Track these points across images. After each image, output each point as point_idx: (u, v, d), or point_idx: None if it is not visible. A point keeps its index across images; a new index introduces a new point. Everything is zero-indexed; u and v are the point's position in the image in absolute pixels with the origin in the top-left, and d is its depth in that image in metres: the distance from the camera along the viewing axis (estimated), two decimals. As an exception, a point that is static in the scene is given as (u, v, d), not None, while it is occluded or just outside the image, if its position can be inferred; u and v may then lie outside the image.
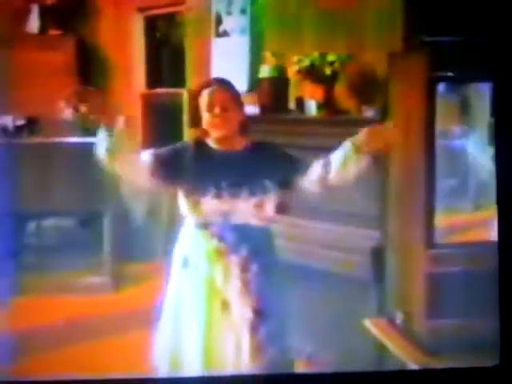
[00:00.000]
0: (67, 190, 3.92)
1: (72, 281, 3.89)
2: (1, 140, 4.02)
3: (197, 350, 2.25)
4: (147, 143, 4.32)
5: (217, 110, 2.17)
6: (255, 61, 3.81)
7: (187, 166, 2.21)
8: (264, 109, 3.61)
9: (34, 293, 3.76)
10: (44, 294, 3.77)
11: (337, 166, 2.17)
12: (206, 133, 2.23)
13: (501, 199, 2.71)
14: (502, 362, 2.78)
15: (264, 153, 2.25)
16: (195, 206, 2.21)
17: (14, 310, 3.69)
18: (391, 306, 2.97)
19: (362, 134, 2.11)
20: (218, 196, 2.18)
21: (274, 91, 3.60)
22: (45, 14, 4.61)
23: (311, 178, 2.21)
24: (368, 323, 2.97)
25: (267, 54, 3.63)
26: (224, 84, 2.25)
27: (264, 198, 2.21)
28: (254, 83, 3.79)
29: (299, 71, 3.45)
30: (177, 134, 4.02)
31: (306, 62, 3.40)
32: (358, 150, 2.11)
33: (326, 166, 2.18)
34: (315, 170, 2.20)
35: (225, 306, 2.24)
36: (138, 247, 4.03)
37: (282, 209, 2.34)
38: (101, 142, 2.25)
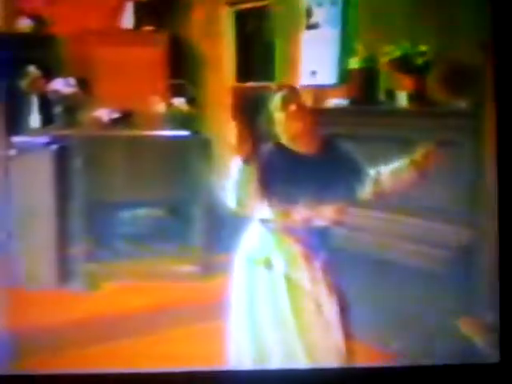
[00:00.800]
0: (159, 180, 4.06)
1: (163, 268, 4.03)
2: (97, 132, 4.19)
3: (292, 349, 2.33)
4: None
5: (292, 108, 2.29)
6: (345, 52, 3.79)
7: (275, 175, 2.27)
8: (354, 100, 3.61)
9: (126, 279, 3.94)
10: (136, 280, 3.94)
11: (389, 178, 2.34)
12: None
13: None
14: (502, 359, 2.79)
15: (336, 157, 2.35)
16: (282, 211, 2.29)
17: (108, 295, 3.87)
18: (481, 304, 2.91)
19: (422, 153, 2.29)
20: (304, 202, 2.26)
21: (364, 82, 3.58)
22: (139, 10, 4.76)
23: (366, 186, 2.35)
24: (457, 320, 2.92)
25: (358, 45, 3.61)
26: (294, 88, 2.41)
27: (342, 203, 2.33)
28: (344, 75, 3.79)
29: (390, 62, 3.41)
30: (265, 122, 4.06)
31: (398, 53, 3.36)
32: (415, 167, 2.29)
33: (379, 176, 2.35)
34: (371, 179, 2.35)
35: (317, 306, 2.33)
36: (228, 237, 4.10)
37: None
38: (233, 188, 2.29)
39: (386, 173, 2.34)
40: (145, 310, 3.66)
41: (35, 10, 4.41)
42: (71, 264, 3.95)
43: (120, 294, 3.84)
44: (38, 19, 4.42)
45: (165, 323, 3.50)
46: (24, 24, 4.40)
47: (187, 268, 4.02)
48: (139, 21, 4.78)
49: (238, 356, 2.46)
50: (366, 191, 2.36)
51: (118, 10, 4.74)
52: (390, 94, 3.49)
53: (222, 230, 4.01)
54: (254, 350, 2.40)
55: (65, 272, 3.92)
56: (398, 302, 3.08)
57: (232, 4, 4.71)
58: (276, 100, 2.31)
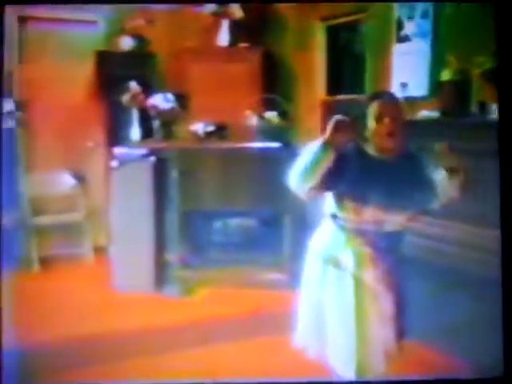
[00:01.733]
0: (251, 191, 4.16)
1: (253, 277, 4.12)
2: (192, 145, 4.34)
3: (350, 343, 2.36)
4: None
5: (386, 121, 2.27)
6: (437, 64, 3.78)
7: (350, 173, 2.29)
8: (445, 112, 3.58)
9: (218, 286, 4.04)
10: (227, 287, 4.04)
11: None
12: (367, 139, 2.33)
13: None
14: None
15: (416, 165, 2.34)
16: (354, 212, 2.33)
17: (200, 301, 3.99)
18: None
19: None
20: (376, 205, 2.28)
21: (456, 94, 3.54)
22: (234, 28, 4.92)
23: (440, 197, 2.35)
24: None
25: (449, 57, 3.59)
26: (393, 97, 2.39)
27: (414, 210, 2.35)
28: (435, 88, 3.77)
29: (482, 73, 3.38)
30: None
31: (490, 64, 3.32)
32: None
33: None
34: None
35: (376, 304, 2.37)
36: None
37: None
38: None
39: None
40: (235, 317, 3.75)
41: (137, 30, 4.64)
42: (167, 270, 4.11)
43: (211, 301, 3.95)
44: (139, 38, 4.65)
45: (253, 330, 3.58)
46: (126, 43, 4.64)
47: (277, 277, 4.08)
48: (234, 38, 4.93)
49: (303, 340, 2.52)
50: (438, 202, 2.35)
51: (213, 29, 4.91)
52: (483, 107, 3.44)
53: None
54: (317, 341, 2.46)
55: (160, 277, 4.08)
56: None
57: (324, 19, 4.78)
58: (373, 108, 2.30)
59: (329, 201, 2.40)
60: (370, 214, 2.31)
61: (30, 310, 3.57)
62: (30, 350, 3.37)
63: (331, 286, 2.41)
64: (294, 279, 4.06)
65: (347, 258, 2.38)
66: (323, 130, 4.65)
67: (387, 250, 2.37)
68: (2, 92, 3.33)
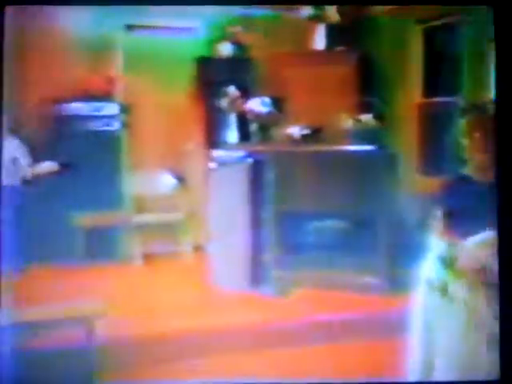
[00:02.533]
0: (345, 193, 4.19)
1: (346, 279, 4.14)
2: (289, 148, 4.43)
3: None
4: (423, 152, 4.42)
5: (476, 135, 2.30)
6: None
7: (462, 205, 2.31)
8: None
9: (311, 287, 4.09)
10: (319, 288, 4.09)
11: None
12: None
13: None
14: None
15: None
16: (459, 245, 2.35)
17: (294, 301, 4.05)
18: None
19: None
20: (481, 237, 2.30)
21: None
22: (331, 32, 4.96)
23: None
24: None
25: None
26: (483, 109, 2.38)
27: None
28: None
29: None
30: (452, 143, 4.04)
31: None
32: None
33: None
34: None
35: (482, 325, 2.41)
36: (411, 253, 4.12)
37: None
38: None
39: None
40: (325, 318, 3.76)
41: (235, 36, 4.76)
42: (262, 269, 4.21)
43: (304, 302, 4.01)
44: (237, 44, 4.77)
45: (346, 334, 3.61)
46: (225, 49, 4.78)
47: (370, 280, 4.09)
48: (330, 42, 4.97)
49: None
50: None
51: (309, 33, 4.97)
52: None
53: (406, 244, 4.05)
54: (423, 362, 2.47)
55: (256, 276, 4.18)
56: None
57: (421, 22, 4.74)
58: (461, 125, 2.29)
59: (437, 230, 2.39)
60: (477, 250, 2.35)
61: (132, 304, 3.76)
62: (128, 342, 3.56)
63: (438, 310, 2.45)
64: (387, 284, 4.09)
65: (454, 287, 2.41)
66: (420, 133, 4.62)
67: (491, 279, 2.41)
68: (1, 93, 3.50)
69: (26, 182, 4.02)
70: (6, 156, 4.02)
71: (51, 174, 3.98)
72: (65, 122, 4.18)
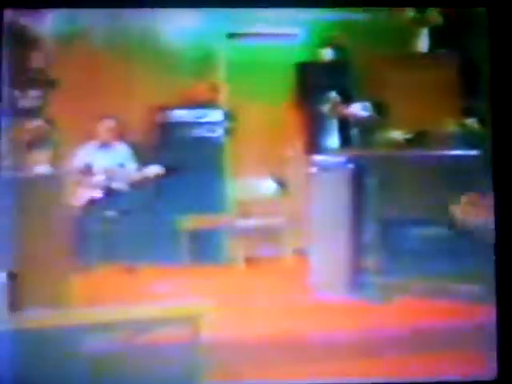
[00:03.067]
0: (448, 199, 4.10)
1: (450, 286, 4.05)
2: (391, 153, 4.38)
3: None
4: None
5: None
6: None
7: None
8: None
9: (412, 294, 4.03)
10: (421, 296, 4.02)
11: None
12: None
13: None
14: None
15: None
16: None
17: (393, 308, 4.00)
18: None
19: None
20: None
21: None
22: (433, 34, 4.87)
23: None
24: None
25: None
26: None
27: None
28: None
29: None
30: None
31: None
32: None
33: None
34: None
35: None
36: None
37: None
38: None
39: None
40: (428, 326, 3.72)
41: (335, 41, 4.77)
42: (363, 275, 4.18)
43: (404, 309, 3.95)
44: (338, 49, 4.77)
45: (445, 341, 3.57)
46: (325, 54, 4.79)
47: (473, 288, 3.98)
48: (433, 44, 4.88)
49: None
50: None
51: (411, 36, 4.90)
52: None
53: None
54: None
55: (357, 282, 4.16)
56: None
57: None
58: None
59: None
60: None
61: (235, 306, 3.83)
62: (230, 342, 3.63)
63: None
64: (488, 292, 3.97)
65: None
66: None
67: None
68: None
69: (132, 185, 4.18)
70: (113, 161, 4.21)
71: (157, 177, 4.13)
72: (170, 129, 4.32)
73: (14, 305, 3.66)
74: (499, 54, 3.04)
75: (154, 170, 4.15)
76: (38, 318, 3.55)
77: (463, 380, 3.16)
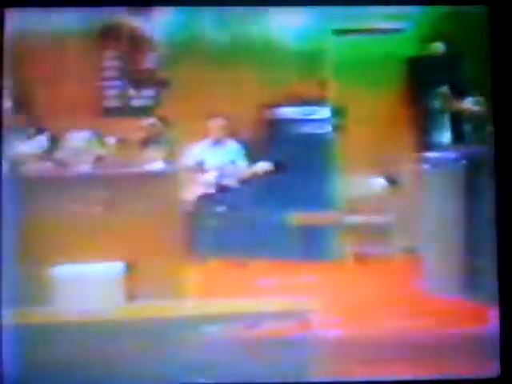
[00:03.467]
0: None
1: None
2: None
3: None
4: None
5: None
6: None
7: None
8: None
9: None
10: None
11: None
12: None
13: None
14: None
15: None
16: None
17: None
18: None
19: None
20: None
21: None
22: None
23: None
24: None
25: None
26: None
27: None
28: None
29: None
30: None
31: None
32: None
33: None
34: None
35: None
36: None
37: None
38: None
39: None
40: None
41: (446, 34, 4.65)
42: (476, 275, 4.06)
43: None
44: (449, 42, 4.66)
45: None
46: (436, 47, 4.68)
47: None
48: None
49: None
50: None
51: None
52: None
53: None
54: None
55: (470, 282, 4.06)
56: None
57: None
58: None
59: None
60: None
61: (343, 302, 3.84)
62: (339, 339, 3.63)
63: None
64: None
65: None
66: None
67: None
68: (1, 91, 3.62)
69: (243, 182, 4.26)
70: (225, 158, 4.31)
71: (266, 174, 4.18)
72: (278, 126, 4.36)
73: (130, 295, 3.82)
74: (500, 54, 2.98)
75: (264, 166, 4.21)
76: (153, 307, 3.69)
77: (466, 377, 3.17)
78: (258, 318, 3.68)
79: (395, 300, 3.88)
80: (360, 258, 4.12)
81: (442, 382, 3.47)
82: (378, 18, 4.29)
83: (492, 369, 3.29)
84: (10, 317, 3.65)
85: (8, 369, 3.60)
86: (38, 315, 3.72)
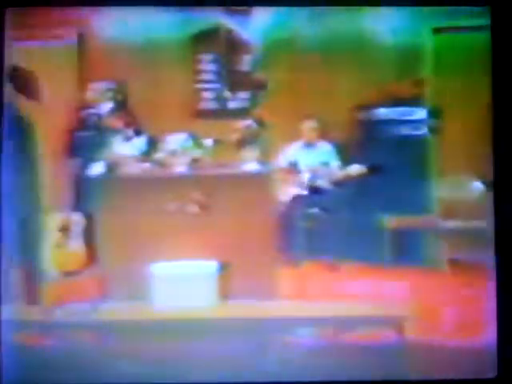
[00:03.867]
0: None
1: None
2: None
3: None
4: None
5: None
6: None
7: None
8: None
9: None
10: None
11: None
12: None
13: None
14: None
15: None
16: None
17: None
18: None
19: None
20: None
21: None
22: None
23: None
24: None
25: None
26: None
27: None
28: None
29: None
30: None
31: None
32: None
33: None
34: None
35: None
36: None
37: None
38: None
39: None
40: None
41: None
42: None
43: None
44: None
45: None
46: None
47: None
48: None
49: None
50: None
51: None
52: None
53: None
54: None
55: None
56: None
57: None
58: None
59: None
60: None
61: (438, 309, 3.76)
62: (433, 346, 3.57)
63: None
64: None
65: None
66: None
67: None
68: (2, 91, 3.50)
69: (336, 184, 4.24)
70: (317, 160, 4.31)
71: (360, 176, 4.15)
72: (373, 127, 4.31)
73: (223, 294, 3.89)
74: (501, 54, 2.86)
75: (357, 168, 4.18)
76: (246, 307, 3.75)
77: (464, 378, 3.12)
78: (352, 323, 3.66)
79: (490, 308, 3.76)
80: (455, 264, 4.02)
81: (442, 381, 3.40)
82: (472, 15, 4.17)
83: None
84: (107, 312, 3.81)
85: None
86: (135, 311, 3.85)
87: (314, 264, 4.01)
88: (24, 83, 3.94)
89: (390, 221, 4.07)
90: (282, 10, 4.13)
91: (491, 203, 3.93)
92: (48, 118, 4.00)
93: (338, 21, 4.14)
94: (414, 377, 3.56)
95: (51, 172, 3.99)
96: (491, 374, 3.33)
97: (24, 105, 3.94)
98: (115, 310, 3.84)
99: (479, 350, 3.61)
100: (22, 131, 3.93)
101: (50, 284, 3.88)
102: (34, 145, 3.97)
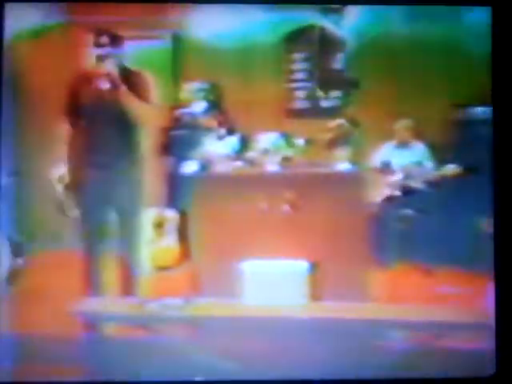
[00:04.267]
0: None
1: None
2: None
3: None
4: None
5: None
6: None
7: None
8: None
9: None
10: None
11: None
12: None
13: None
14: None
15: None
16: None
17: None
18: None
19: None
20: None
21: None
22: None
23: None
24: None
25: None
26: None
27: None
28: None
29: None
30: None
31: None
32: None
33: None
34: None
35: None
36: None
37: None
38: None
39: None
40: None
41: None
42: None
43: None
44: None
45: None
46: None
47: None
48: None
49: None
50: None
51: None
52: None
53: None
54: None
55: None
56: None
57: None
58: None
59: None
60: None
61: None
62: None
63: None
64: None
65: None
66: None
67: None
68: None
69: (430, 184, 4.15)
70: (410, 160, 4.23)
71: (455, 177, 4.04)
72: (469, 127, 4.19)
73: (314, 294, 3.89)
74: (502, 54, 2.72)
75: (453, 169, 4.07)
76: (337, 308, 3.73)
77: (462, 376, 3.03)
78: (445, 328, 3.58)
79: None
80: None
81: (442, 381, 3.29)
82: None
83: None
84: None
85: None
86: (226, 307, 3.90)
87: (407, 267, 3.94)
88: (136, 84, 4.07)
89: (489, 224, 3.94)
90: (376, 7, 4.08)
91: None
92: (149, 118, 4.12)
93: (432, 18, 4.06)
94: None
95: (149, 170, 4.11)
96: (489, 372, 3.22)
97: (135, 105, 4.08)
98: (207, 306, 3.90)
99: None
100: (129, 130, 4.08)
101: (144, 278, 3.99)
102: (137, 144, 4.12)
